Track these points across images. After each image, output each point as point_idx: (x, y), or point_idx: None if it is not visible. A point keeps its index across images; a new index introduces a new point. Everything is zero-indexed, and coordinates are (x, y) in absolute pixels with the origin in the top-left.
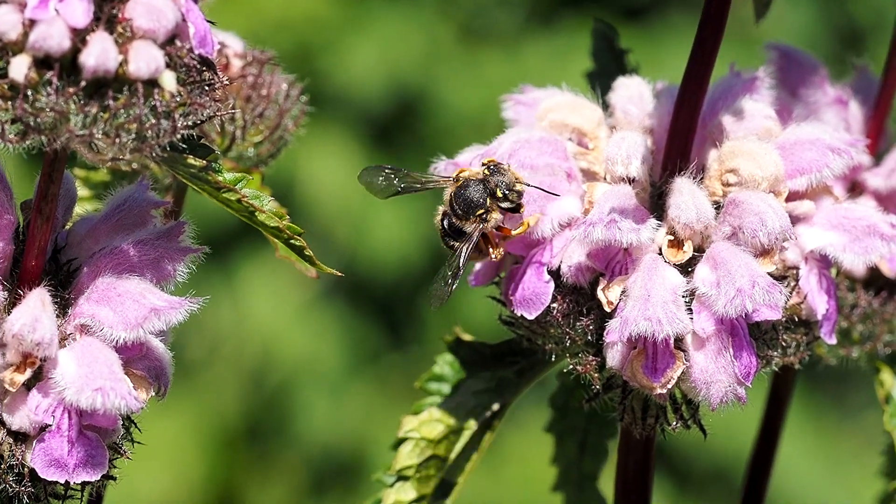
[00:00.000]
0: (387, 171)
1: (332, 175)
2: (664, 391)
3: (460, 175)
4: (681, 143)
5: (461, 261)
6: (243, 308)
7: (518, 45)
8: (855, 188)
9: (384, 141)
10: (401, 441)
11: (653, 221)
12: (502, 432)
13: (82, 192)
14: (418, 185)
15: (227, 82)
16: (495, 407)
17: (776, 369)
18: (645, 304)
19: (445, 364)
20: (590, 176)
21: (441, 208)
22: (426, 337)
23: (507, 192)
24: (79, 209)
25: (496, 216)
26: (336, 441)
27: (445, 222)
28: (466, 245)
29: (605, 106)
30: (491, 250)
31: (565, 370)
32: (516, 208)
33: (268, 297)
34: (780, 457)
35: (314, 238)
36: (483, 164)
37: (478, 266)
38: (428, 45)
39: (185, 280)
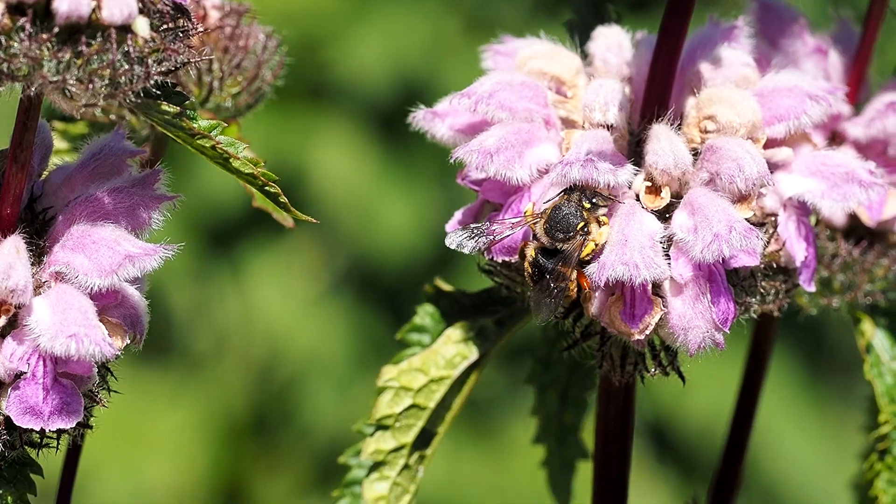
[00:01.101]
0: (472, 228)
1: (339, 166)
2: (642, 337)
3: (542, 211)
4: (659, 91)
5: (568, 274)
6: (251, 301)
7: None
8: (835, 138)
9: (390, 132)
10: (380, 390)
11: (630, 166)
12: (506, 423)
13: (60, 144)
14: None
15: (201, 29)
16: (475, 356)
17: (756, 318)
18: (622, 249)
19: (426, 315)
20: (568, 124)
21: (529, 252)
22: None
23: (594, 199)
24: (57, 161)
25: (595, 227)
26: (343, 433)
27: (540, 258)
28: (570, 261)
29: (585, 56)
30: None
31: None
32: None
33: (275, 289)
34: (785, 448)
35: (322, 231)
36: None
37: (457, 214)
38: (433, 36)
39: (192, 272)
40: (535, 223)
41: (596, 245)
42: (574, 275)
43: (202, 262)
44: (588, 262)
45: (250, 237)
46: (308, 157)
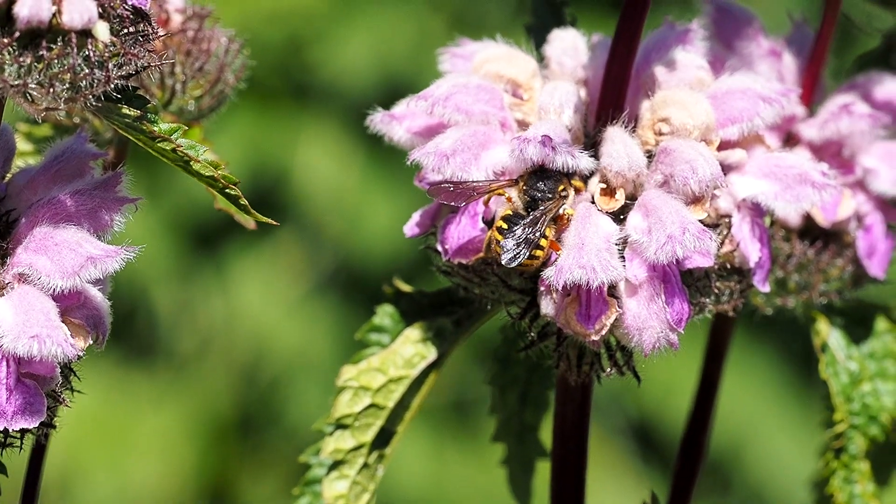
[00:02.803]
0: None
1: (324, 167)
2: (598, 338)
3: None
4: (614, 93)
5: (539, 225)
6: (235, 301)
7: (508, 37)
8: (790, 139)
9: (375, 133)
10: (340, 390)
11: (587, 158)
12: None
13: (25, 146)
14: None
15: (162, 34)
16: (433, 356)
17: (712, 318)
18: (579, 252)
19: (385, 315)
20: (524, 127)
21: (499, 219)
22: None
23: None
24: (21, 163)
25: (571, 195)
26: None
27: (512, 218)
28: (546, 217)
29: (541, 58)
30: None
31: (506, 323)
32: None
33: (260, 290)
34: (772, 450)
35: (306, 231)
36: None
37: (415, 216)
38: (419, 36)
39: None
40: (512, 187)
41: (568, 218)
42: (548, 233)
43: (186, 263)
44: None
45: (234, 238)
46: (293, 158)
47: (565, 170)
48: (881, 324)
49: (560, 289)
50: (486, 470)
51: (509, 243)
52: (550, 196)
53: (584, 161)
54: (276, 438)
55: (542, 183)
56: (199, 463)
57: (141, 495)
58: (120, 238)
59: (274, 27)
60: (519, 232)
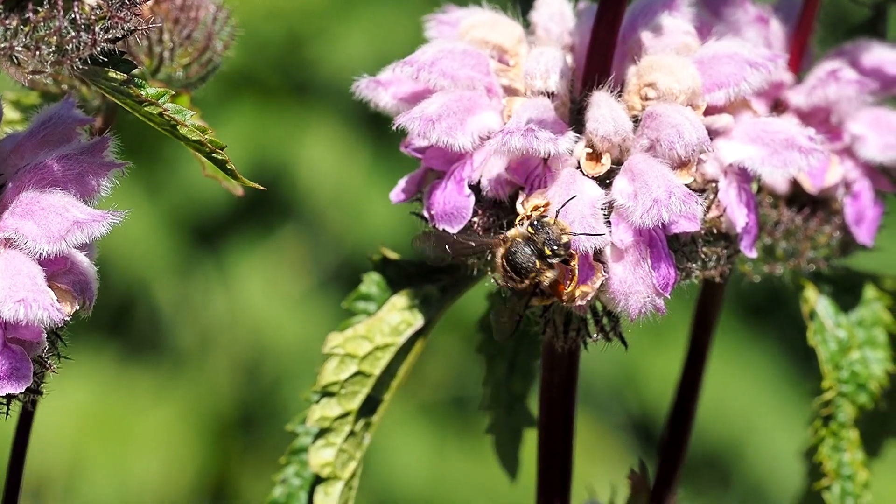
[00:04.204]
0: (433, 238)
1: (326, 163)
2: (584, 303)
3: (506, 237)
4: (600, 59)
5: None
6: (237, 297)
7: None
8: (778, 106)
9: (377, 128)
10: (326, 357)
11: (571, 134)
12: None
13: (13, 114)
14: (470, 250)
15: (150, 0)
16: (420, 324)
17: (701, 286)
18: (564, 217)
19: (372, 283)
20: (510, 92)
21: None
22: None
23: (555, 249)
24: (9, 130)
25: (549, 275)
26: None
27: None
28: (524, 299)
29: (527, 25)
30: (563, 291)
31: (493, 291)
32: (566, 261)
33: (262, 286)
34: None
35: (308, 227)
36: (527, 217)
37: (401, 182)
38: (417, 32)
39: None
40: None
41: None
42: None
43: (188, 259)
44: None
45: (236, 233)
46: (295, 154)
47: (546, 157)
48: (870, 292)
49: None
50: (487, 466)
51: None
52: (525, 278)
53: (564, 143)
54: (278, 434)
55: (516, 273)
56: (201, 459)
57: (142, 491)
58: (121, 234)
59: (274, 23)
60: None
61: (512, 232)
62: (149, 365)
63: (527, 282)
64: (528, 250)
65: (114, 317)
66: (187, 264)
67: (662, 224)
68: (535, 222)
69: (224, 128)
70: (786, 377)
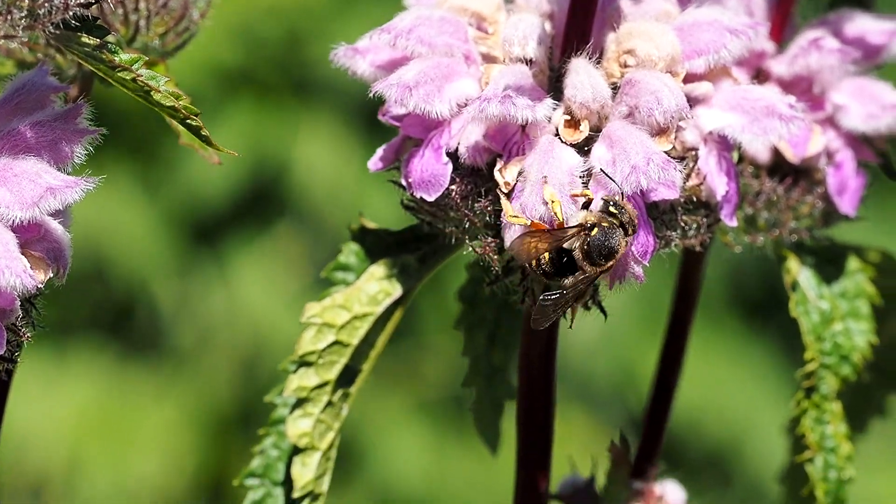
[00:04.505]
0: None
1: (323, 161)
2: None
3: (586, 223)
4: (579, 26)
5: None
6: (236, 295)
7: None
8: (760, 75)
9: (374, 127)
10: (303, 327)
11: (549, 101)
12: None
13: None
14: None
15: None
16: (398, 293)
17: (682, 256)
18: (542, 188)
19: (351, 253)
20: (489, 60)
21: (545, 253)
22: (418, 322)
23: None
24: None
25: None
26: None
27: (551, 266)
28: (588, 281)
29: None
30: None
31: (472, 261)
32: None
33: (261, 284)
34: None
35: (307, 225)
36: (604, 202)
37: (379, 151)
38: None
39: (177, 267)
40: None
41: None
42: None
43: (186, 258)
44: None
45: (235, 231)
46: (294, 152)
47: (524, 124)
48: (853, 263)
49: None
50: (486, 464)
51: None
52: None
53: (542, 111)
54: None
55: (602, 258)
56: (200, 457)
57: (142, 490)
58: (121, 232)
59: (273, 22)
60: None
61: (588, 216)
62: (148, 363)
63: (609, 264)
64: (618, 233)
65: (113, 315)
66: (186, 263)
67: (641, 191)
68: (612, 204)
69: (223, 126)
70: (786, 376)
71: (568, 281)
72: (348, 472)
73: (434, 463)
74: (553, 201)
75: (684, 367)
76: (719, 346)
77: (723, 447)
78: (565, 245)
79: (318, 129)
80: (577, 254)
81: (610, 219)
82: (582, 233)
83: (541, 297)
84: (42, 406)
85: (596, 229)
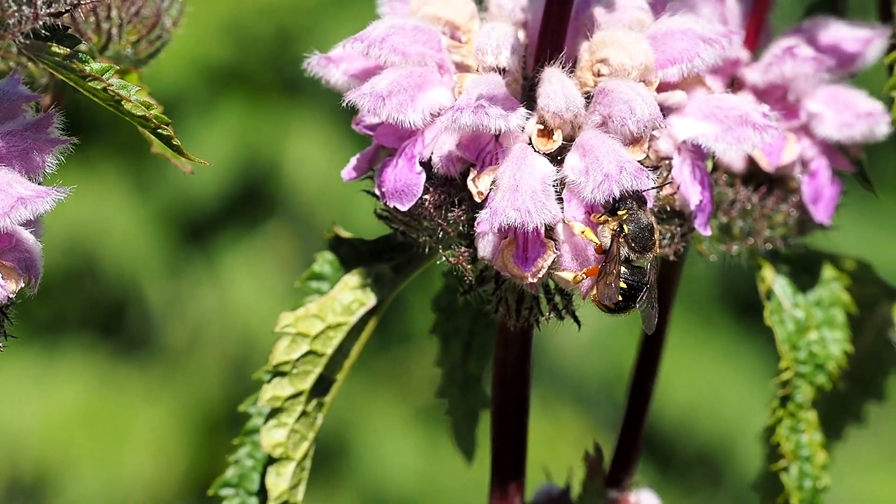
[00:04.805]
0: None
1: (315, 160)
2: (535, 280)
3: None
4: (553, 35)
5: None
6: (226, 294)
7: None
8: (734, 84)
9: None
10: (277, 337)
11: (523, 110)
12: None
13: None
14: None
15: None
16: (372, 302)
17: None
18: (514, 194)
19: (325, 263)
20: (463, 69)
21: (613, 280)
22: (409, 325)
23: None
24: None
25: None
26: (320, 430)
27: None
28: (654, 268)
29: (480, 1)
30: None
31: (447, 270)
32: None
33: (251, 282)
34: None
35: (297, 223)
36: (605, 208)
37: (353, 160)
38: None
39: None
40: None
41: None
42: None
43: (177, 257)
44: None
45: (225, 230)
46: (284, 151)
47: (497, 133)
48: (828, 271)
49: (496, 231)
50: (479, 468)
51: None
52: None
53: (516, 120)
54: None
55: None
56: (191, 456)
57: (132, 489)
58: (112, 232)
59: (264, 20)
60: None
61: (610, 224)
62: (139, 362)
63: (657, 240)
64: (645, 216)
65: (104, 314)
66: (177, 262)
67: (614, 199)
68: (612, 203)
69: (213, 124)
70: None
71: (644, 278)
72: (340, 474)
73: (425, 465)
74: (583, 232)
75: (681, 367)
76: (711, 345)
77: (714, 447)
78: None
79: (309, 127)
80: (633, 255)
81: (622, 212)
82: (620, 239)
83: (637, 306)
84: (33, 405)
85: (625, 227)
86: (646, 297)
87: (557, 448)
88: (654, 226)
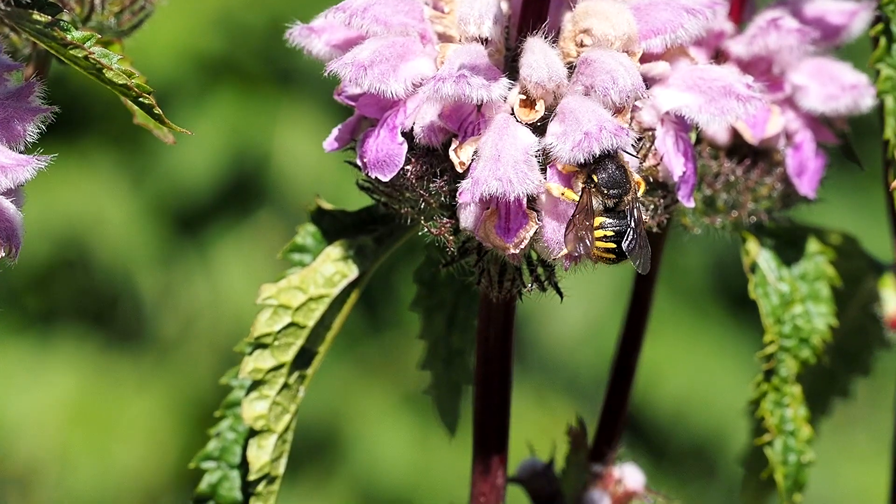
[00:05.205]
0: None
1: (306, 150)
2: (517, 251)
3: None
4: (536, 5)
5: (643, 219)
6: (218, 285)
7: None
8: (719, 56)
9: None
10: (259, 308)
11: (505, 80)
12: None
13: None
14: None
15: None
16: (354, 275)
17: None
18: (496, 163)
19: (308, 235)
20: (445, 39)
21: (605, 227)
22: (402, 312)
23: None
24: None
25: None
26: (312, 419)
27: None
28: (637, 207)
29: None
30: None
31: (429, 242)
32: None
33: (243, 273)
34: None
35: (288, 214)
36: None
37: (335, 131)
38: None
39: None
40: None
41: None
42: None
43: (169, 248)
44: None
45: (218, 221)
46: (276, 142)
47: (479, 103)
48: (813, 245)
49: (477, 201)
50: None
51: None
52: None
53: (498, 90)
54: None
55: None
56: (183, 447)
57: (125, 479)
58: (104, 222)
59: (256, 11)
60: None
61: (580, 177)
62: (131, 353)
63: (634, 179)
64: (614, 160)
65: (97, 305)
66: (169, 253)
67: (593, 156)
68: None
69: (205, 114)
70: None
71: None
72: (332, 462)
73: (418, 454)
74: (563, 193)
75: (676, 359)
76: (704, 336)
77: (707, 438)
78: (595, 205)
79: (300, 118)
80: (611, 202)
81: (595, 165)
82: (592, 188)
83: (624, 245)
84: (26, 395)
85: (594, 176)
86: (634, 238)
87: (551, 437)
88: (627, 168)
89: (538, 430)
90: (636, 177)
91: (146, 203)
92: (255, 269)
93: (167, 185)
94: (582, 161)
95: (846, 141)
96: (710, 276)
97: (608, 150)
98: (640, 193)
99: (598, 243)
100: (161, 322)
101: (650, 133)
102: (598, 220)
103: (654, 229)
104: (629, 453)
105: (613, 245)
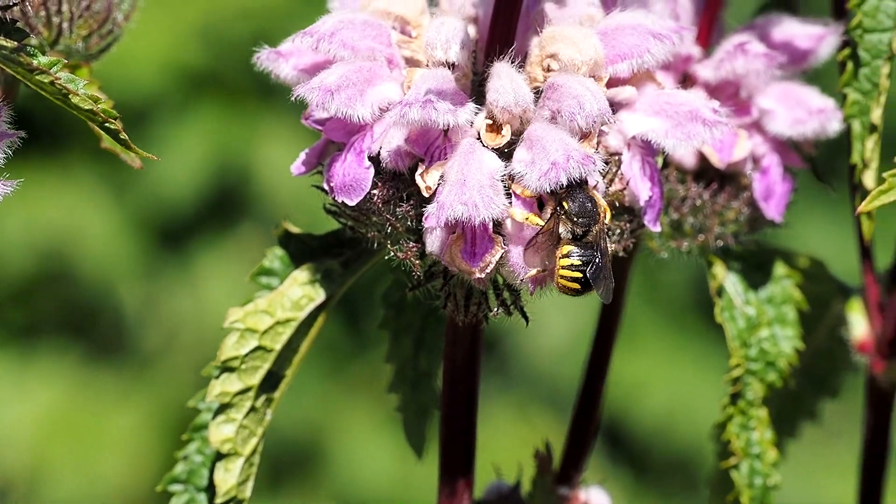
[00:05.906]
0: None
1: (289, 163)
2: (483, 276)
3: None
4: (503, 30)
5: (609, 251)
6: (202, 297)
7: None
8: (686, 80)
9: None
10: (226, 332)
11: (472, 105)
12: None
13: None
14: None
15: None
16: (321, 298)
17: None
18: (461, 188)
19: (275, 258)
20: (413, 64)
21: (572, 256)
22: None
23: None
24: None
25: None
26: (293, 432)
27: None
28: (604, 238)
29: None
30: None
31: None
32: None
33: (226, 286)
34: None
35: (272, 226)
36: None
37: (302, 155)
38: None
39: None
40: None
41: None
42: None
43: (152, 261)
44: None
45: (200, 234)
46: (258, 154)
47: (446, 128)
48: (780, 269)
49: (443, 226)
50: None
51: (599, 282)
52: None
53: (464, 115)
54: None
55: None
56: (167, 459)
57: (108, 492)
58: (87, 235)
59: (239, 24)
60: (597, 269)
61: (550, 206)
62: (114, 366)
63: (603, 212)
64: (582, 191)
65: (79, 318)
66: (152, 266)
67: (561, 187)
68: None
69: (188, 128)
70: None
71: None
72: (316, 477)
73: (400, 469)
74: (527, 218)
75: (658, 372)
76: (686, 350)
77: (690, 451)
78: (562, 233)
79: (284, 131)
80: (580, 230)
81: (562, 193)
82: (562, 215)
83: (591, 279)
84: (8, 408)
85: (565, 204)
86: (600, 268)
87: (531, 451)
88: (596, 198)
89: (520, 443)
90: (603, 203)
91: (128, 216)
92: (237, 283)
93: (150, 198)
94: (549, 190)
95: (814, 165)
96: (690, 291)
97: (575, 180)
98: (607, 220)
99: (564, 272)
100: (143, 335)
101: (617, 158)
102: (565, 249)
103: (621, 253)
104: (609, 469)
105: (580, 274)
